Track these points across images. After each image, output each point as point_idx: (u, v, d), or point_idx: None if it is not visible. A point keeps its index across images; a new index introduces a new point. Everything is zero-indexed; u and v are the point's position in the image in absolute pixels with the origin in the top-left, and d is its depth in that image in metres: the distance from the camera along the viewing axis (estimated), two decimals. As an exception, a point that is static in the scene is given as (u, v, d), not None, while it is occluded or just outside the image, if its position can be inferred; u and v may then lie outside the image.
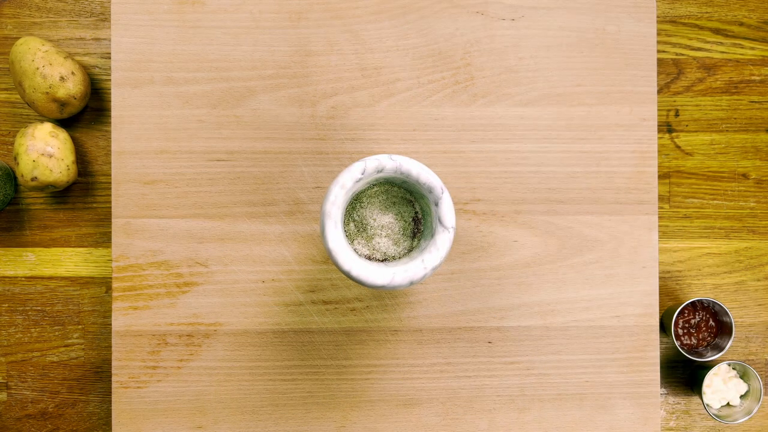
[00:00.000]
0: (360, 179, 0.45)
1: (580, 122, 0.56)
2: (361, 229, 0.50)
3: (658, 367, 0.56)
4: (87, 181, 0.60)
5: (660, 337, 0.59)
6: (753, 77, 0.61)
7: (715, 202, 0.61)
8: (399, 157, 0.44)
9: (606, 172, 0.56)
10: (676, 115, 0.61)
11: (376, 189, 0.50)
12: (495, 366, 0.56)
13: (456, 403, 0.56)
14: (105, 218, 0.60)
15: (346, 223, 0.50)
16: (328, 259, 0.44)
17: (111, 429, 0.56)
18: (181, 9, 0.56)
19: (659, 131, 0.60)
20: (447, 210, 0.46)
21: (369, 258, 0.50)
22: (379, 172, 0.45)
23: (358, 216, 0.50)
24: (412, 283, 0.46)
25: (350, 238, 0.50)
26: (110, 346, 0.56)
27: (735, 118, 0.61)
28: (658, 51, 0.60)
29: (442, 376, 0.56)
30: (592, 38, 0.56)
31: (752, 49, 0.61)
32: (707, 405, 0.56)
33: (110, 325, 0.56)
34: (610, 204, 0.56)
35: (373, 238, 0.50)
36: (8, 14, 0.59)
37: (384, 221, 0.50)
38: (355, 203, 0.50)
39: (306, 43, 0.56)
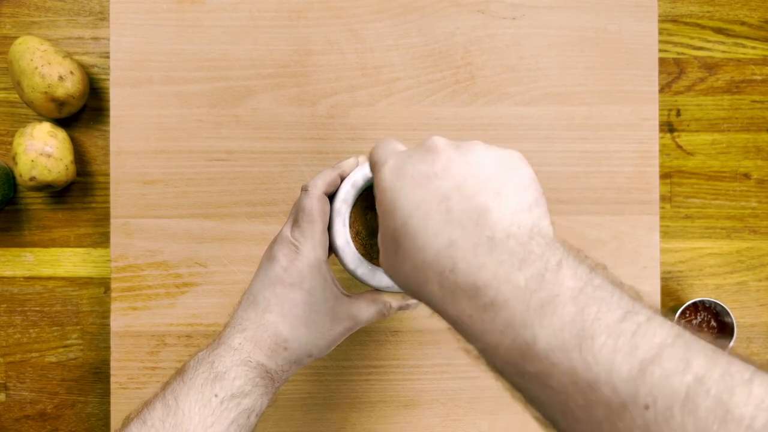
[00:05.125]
0: (371, 178, 0.44)
1: (581, 122, 0.56)
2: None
3: (660, 368, 0.56)
4: (85, 180, 0.59)
5: (661, 338, 0.59)
6: (755, 77, 0.60)
7: (717, 202, 0.60)
8: None
9: (607, 171, 0.56)
10: (678, 114, 0.60)
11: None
12: (496, 367, 0.56)
13: (457, 404, 0.56)
14: (104, 218, 0.59)
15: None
16: (329, 258, 0.43)
17: (110, 430, 0.56)
18: (180, 8, 0.55)
19: (660, 131, 0.60)
20: None
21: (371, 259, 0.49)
22: None
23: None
24: None
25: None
26: (109, 347, 0.56)
27: (737, 118, 0.60)
28: (660, 50, 0.59)
29: (443, 377, 0.56)
30: (593, 37, 0.56)
31: (754, 48, 0.60)
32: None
33: (109, 325, 0.56)
34: (611, 204, 0.56)
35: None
36: (7, 13, 0.59)
37: None
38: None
39: (306, 42, 0.56)
